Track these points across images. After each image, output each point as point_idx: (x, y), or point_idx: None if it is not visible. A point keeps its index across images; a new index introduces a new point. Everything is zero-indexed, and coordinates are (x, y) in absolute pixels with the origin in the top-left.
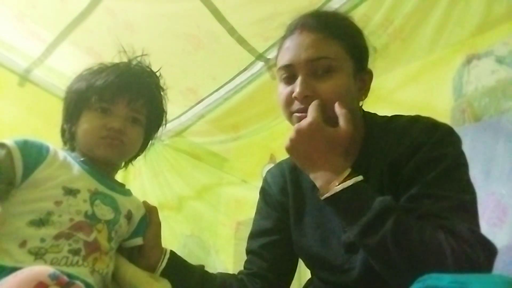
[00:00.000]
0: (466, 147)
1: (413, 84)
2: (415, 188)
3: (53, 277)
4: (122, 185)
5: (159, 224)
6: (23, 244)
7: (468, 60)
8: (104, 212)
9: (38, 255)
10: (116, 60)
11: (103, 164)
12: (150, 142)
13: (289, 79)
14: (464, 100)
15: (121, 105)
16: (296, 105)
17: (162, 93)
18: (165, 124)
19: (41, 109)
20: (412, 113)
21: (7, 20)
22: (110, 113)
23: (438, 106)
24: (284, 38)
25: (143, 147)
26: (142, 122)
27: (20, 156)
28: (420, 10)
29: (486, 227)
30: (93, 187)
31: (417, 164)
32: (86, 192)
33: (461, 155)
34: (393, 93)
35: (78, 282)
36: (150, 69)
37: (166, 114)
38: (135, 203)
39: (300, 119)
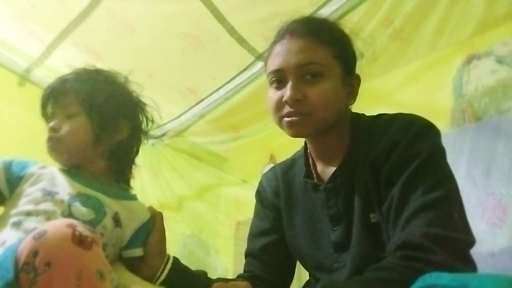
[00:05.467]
0: (466, 147)
1: (413, 84)
2: (391, 191)
3: (80, 223)
4: (123, 189)
5: (163, 231)
6: (2, 244)
7: (468, 60)
8: (83, 212)
9: None
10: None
11: (82, 169)
12: (138, 136)
13: (279, 84)
14: (464, 100)
15: (50, 109)
16: (287, 109)
17: (101, 81)
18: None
19: None
20: (413, 113)
21: (7, 20)
22: (49, 119)
23: (438, 106)
24: (273, 43)
25: (131, 142)
26: (77, 113)
27: (3, 174)
28: (420, 10)
29: (486, 227)
30: (76, 190)
31: (393, 164)
32: (65, 194)
33: (436, 148)
34: (393, 93)
35: (98, 233)
36: (87, 68)
37: (123, 102)
38: (128, 207)
39: (290, 123)
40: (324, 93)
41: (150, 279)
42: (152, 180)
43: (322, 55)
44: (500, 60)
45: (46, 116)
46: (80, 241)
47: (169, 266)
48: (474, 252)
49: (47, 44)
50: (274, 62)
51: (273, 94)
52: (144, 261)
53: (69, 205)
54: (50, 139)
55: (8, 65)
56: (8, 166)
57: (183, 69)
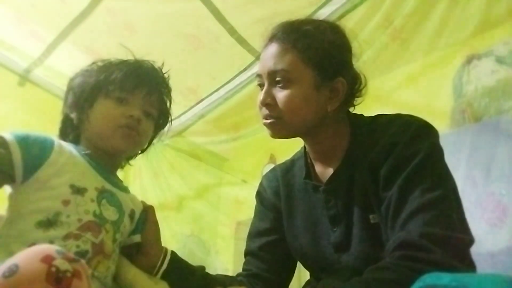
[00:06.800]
0: (466, 147)
1: (413, 84)
2: (390, 192)
3: (60, 252)
4: (120, 180)
5: (156, 222)
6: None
7: (468, 60)
8: (110, 212)
9: None
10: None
11: (109, 157)
12: (152, 141)
13: (261, 87)
14: (464, 100)
15: (139, 97)
16: (263, 111)
17: (170, 93)
18: (171, 123)
19: (41, 109)
20: (412, 113)
21: (7, 20)
22: (127, 103)
23: (438, 106)
24: (263, 46)
25: (147, 146)
26: (154, 117)
27: (20, 154)
28: (420, 10)
29: (486, 227)
30: (100, 185)
31: (391, 164)
32: (93, 191)
33: (434, 149)
34: (393, 93)
35: (82, 261)
36: (160, 68)
37: (171, 115)
38: (135, 200)
39: (265, 125)
40: (290, 99)
41: (150, 270)
42: (152, 180)
43: (290, 62)
44: (500, 60)
45: (123, 93)
46: (56, 279)
47: (168, 257)
48: (474, 252)
49: (47, 44)
50: (258, 66)
51: (258, 96)
52: (142, 251)
53: (99, 204)
54: (132, 127)
55: (8, 65)
56: (24, 144)
57: (183, 69)
